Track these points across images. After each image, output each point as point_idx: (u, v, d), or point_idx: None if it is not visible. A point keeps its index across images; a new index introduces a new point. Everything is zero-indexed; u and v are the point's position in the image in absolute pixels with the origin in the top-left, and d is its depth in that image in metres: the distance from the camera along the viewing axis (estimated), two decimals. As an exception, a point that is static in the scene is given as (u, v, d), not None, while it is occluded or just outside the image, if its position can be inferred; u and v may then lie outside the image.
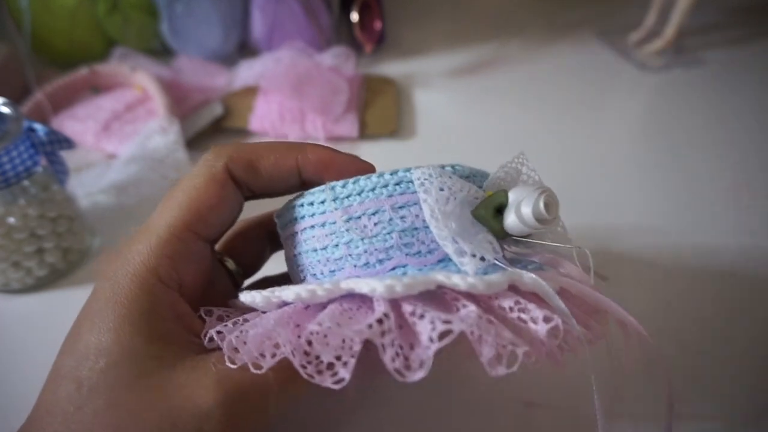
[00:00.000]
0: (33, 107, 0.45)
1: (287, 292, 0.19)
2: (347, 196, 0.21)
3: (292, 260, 0.23)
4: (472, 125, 0.51)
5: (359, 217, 0.21)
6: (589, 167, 0.46)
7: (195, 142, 0.46)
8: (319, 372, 0.17)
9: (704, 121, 0.52)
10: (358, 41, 0.58)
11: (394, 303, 0.17)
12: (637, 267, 0.36)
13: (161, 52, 0.56)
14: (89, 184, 0.41)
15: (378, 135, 0.48)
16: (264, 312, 0.20)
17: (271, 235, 0.27)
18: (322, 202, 0.21)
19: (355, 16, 0.58)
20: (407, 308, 0.17)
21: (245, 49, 0.58)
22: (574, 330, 0.18)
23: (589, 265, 0.21)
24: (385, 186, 0.21)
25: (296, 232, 0.22)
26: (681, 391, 0.23)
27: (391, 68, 0.58)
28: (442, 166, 0.21)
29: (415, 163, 0.23)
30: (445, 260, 0.20)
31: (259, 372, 0.18)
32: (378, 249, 0.20)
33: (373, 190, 0.21)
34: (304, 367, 0.17)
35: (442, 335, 0.16)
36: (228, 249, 0.26)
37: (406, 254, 0.20)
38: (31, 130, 0.33)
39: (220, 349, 0.19)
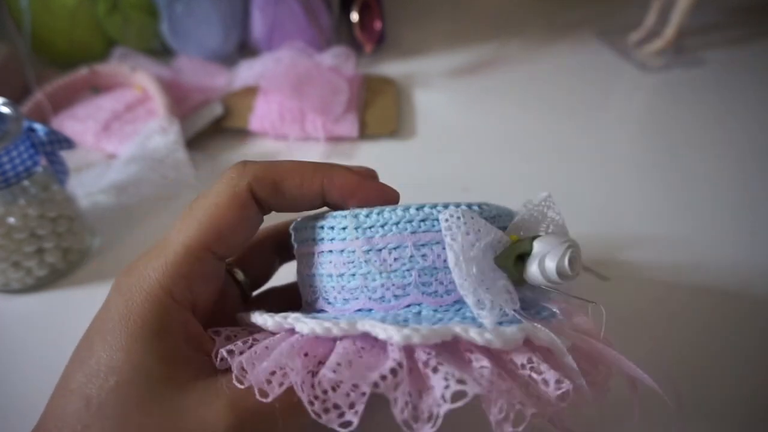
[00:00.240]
0: (33, 107, 0.45)
1: (301, 325, 0.19)
2: (370, 227, 0.21)
3: (305, 278, 0.23)
4: (472, 125, 0.51)
5: (380, 250, 0.20)
6: (588, 167, 0.46)
7: (195, 142, 0.46)
8: (326, 411, 0.16)
9: (704, 121, 0.52)
10: (358, 41, 0.58)
11: (408, 348, 0.17)
12: (635, 266, 0.36)
13: (161, 52, 0.56)
14: (89, 184, 0.41)
15: (378, 135, 0.48)
16: (273, 333, 0.20)
17: (281, 248, 0.27)
18: (344, 228, 0.21)
19: (355, 16, 0.58)
20: (421, 356, 0.17)
21: (245, 49, 0.58)
22: (583, 390, 0.19)
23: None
24: (410, 221, 0.20)
25: (313, 253, 0.22)
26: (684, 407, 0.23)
27: (391, 68, 0.58)
28: (469, 206, 0.21)
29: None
30: (460, 302, 0.20)
31: (265, 401, 0.17)
32: (395, 285, 0.20)
33: (397, 224, 0.20)
34: (311, 403, 0.17)
35: (455, 396, 0.16)
36: (237, 260, 0.26)
37: (423, 293, 0.20)
38: (31, 130, 0.33)
39: (231, 370, 0.19)
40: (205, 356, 0.20)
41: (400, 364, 0.17)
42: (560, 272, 0.19)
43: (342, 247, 0.21)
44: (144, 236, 0.38)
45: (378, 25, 0.60)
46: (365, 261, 0.21)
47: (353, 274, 0.21)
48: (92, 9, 0.52)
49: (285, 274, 0.30)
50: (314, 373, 0.18)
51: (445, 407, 0.16)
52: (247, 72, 0.51)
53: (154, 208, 0.41)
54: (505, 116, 0.52)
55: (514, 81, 0.57)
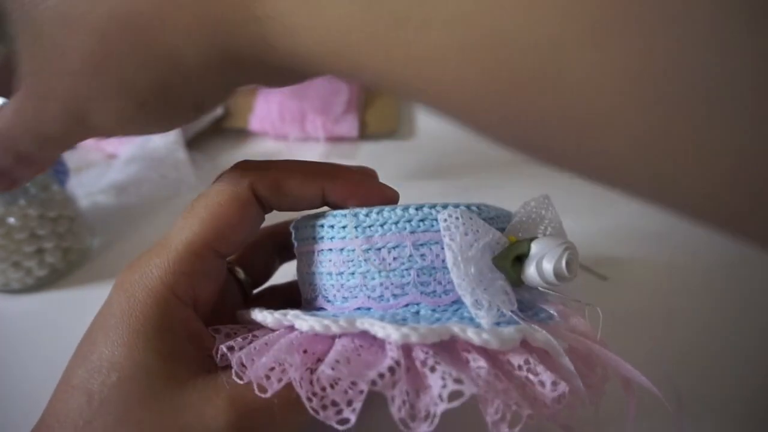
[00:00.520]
0: (33, 107, 0.45)
1: (300, 322, 0.19)
2: (370, 226, 0.21)
3: (305, 277, 0.23)
4: (472, 125, 0.51)
5: (379, 250, 0.21)
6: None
7: (195, 142, 0.46)
8: (324, 407, 0.17)
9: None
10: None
11: (406, 347, 0.18)
12: (634, 265, 0.37)
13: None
14: (89, 184, 0.42)
15: (378, 135, 0.48)
16: (272, 330, 0.20)
17: (281, 247, 0.28)
18: (344, 227, 0.21)
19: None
20: (419, 355, 0.17)
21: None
22: (579, 392, 0.19)
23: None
24: (409, 221, 0.21)
25: (313, 251, 0.22)
26: (684, 407, 0.23)
27: (391, 68, 0.58)
28: (468, 206, 0.21)
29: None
30: (459, 302, 0.21)
31: (264, 396, 0.18)
32: (394, 284, 0.21)
33: (396, 223, 0.21)
34: (309, 399, 0.17)
35: (452, 396, 0.16)
36: (238, 259, 0.26)
37: (422, 292, 0.20)
38: None
39: (231, 366, 0.19)
40: (205, 353, 0.20)
41: (398, 363, 0.17)
42: (557, 274, 0.20)
43: (342, 245, 0.21)
44: (144, 236, 0.38)
45: (378, 25, 0.60)
46: (364, 260, 0.21)
47: (352, 273, 0.21)
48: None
49: (285, 273, 0.30)
50: (313, 370, 0.18)
51: (442, 406, 0.16)
52: (247, 72, 0.51)
53: (154, 208, 0.41)
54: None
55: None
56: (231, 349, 0.19)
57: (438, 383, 0.16)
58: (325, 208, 0.23)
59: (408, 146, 0.48)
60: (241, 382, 0.18)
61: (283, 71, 0.17)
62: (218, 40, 0.15)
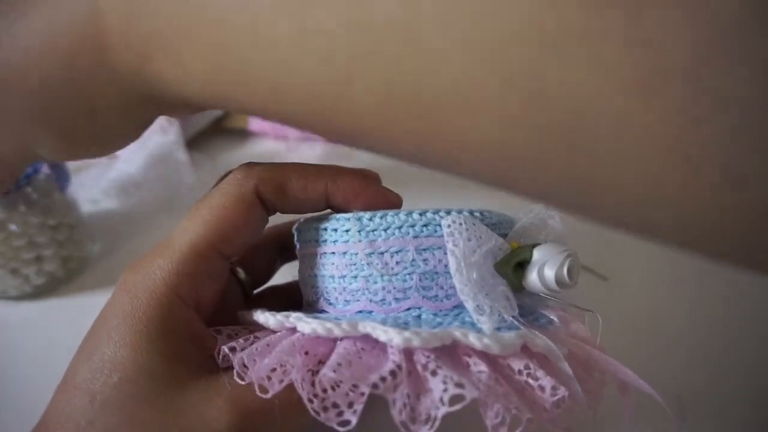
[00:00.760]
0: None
1: (303, 324, 0.19)
2: (373, 230, 0.21)
3: (307, 279, 0.23)
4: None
5: (382, 254, 0.21)
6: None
7: (195, 142, 0.46)
8: (325, 409, 0.17)
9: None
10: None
11: (408, 351, 0.18)
12: (634, 265, 0.37)
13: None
14: (89, 185, 0.42)
15: (378, 135, 0.48)
16: (274, 331, 0.20)
17: (283, 248, 0.28)
18: (347, 231, 0.21)
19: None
20: (420, 359, 0.17)
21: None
22: (578, 396, 0.19)
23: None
24: (412, 226, 0.21)
25: (316, 254, 0.22)
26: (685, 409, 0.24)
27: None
28: (471, 212, 0.21)
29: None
30: (460, 306, 0.21)
31: (265, 396, 0.18)
32: (396, 288, 0.21)
33: (399, 228, 0.21)
34: (311, 401, 0.17)
35: (453, 399, 0.16)
36: (239, 259, 0.26)
37: (423, 297, 0.21)
38: None
39: (233, 367, 0.19)
40: (207, 354, 0.20)
41: (399, 366, 0.17)
42: (559, 281, 0.20)
43: (344, 249, 0.21)
44: (144, 237, 0.38)
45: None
46: (367, 264, 0.21)
47: (355, 276, 0.21)
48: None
49: (285, 273, 0.30)
50: (314, 372, 0.18)
51: (443, 410, 0.16)
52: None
53: (154, 208, 0.41)
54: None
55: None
56: (233, 350, 0.19)
57: (439, 387, 0.16)
58: (329, 211, 0.23)
59: (408, 146, 0.48)
60: (243, 383, 0.18)
61: (187, 106, 0.20)
62: (133, 88, 0.19)
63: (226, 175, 0.23)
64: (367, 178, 0.23)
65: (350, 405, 0.17)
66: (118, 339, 0.19)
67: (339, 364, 0.17)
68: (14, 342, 0.32)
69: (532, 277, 0.20)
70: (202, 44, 0.16)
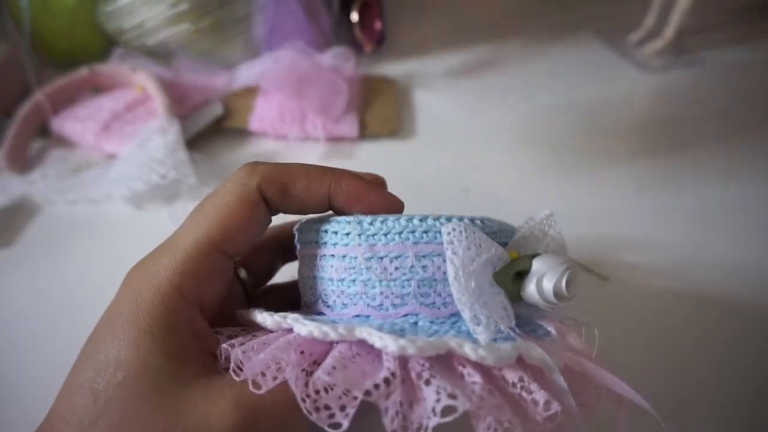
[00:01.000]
0: (33, 107, 0.45)
1: (299, 326, 0.19)
2: (373, 234, 0.21)
3: (306, 280, 0.23)
4: (472, 125, 0.51)
5: (381, 258, 0.21)
6: (588, 166, 0.46)
7: (195, 142, 0.46)
8: (317, 409, 0.17)
9: (703, 121, 0.52)
10: (358, 41, 0.58)
11: (403, 359, 0.18)
12: (634, 266, 0.36)
13: (161, 52, 0.56)
14: (89, 184, 0.41)
15: (378, 135, 0.48)
16: (272, 331, 0.20)
17: (284, 248, 0.28)
18: (347, 234, 0.21)
19: (355, 17, 0.58)
20: (415, 367, 0.17)
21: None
22: (572, 411, 0.19)
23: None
24: (413, 232, 0.21)
25: (315, 256, 0.22)
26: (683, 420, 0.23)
27: (391, 68, 0.58)
28: (472, 220, 0.21)
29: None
30: (457, 315, 0.21)
31: (258, 392, 0.18)
32: (394, 293, 0.21)
33: (400, 233, 0.21)
34: (303, 400, 0.17)
35: (446, 411, 0.16)
36: (241, 259, 0.27)
37: (421, 304, 0.21)
38: None
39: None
40: (210, 354, 0.20)
41: (393, 374, 0.17)
42: (557, 293, 0.20)
43: (344, 252, 0.21)
44: (144, 237, 0.38)
45: (378, 25, 0.60)
46: (366, 268, 0.21)
47: (354, 280, 0.21)
48: (92, 9, 0.52)
49: (284, 273, 0.30)
50: (309, 373, 0.18)
51: (435, 420, 0.16)
52: (247, 72, 0.51)
53: (155, 209, 0.41)
54: (505, 116, 0.52)
55: (514, 81, 0.58)
56: (232, 347, 0.19)
57: (432, 397, 0.16)
58: (330, 213, 0.23)
59: (408, 146, 0.48)
60: (238, 379, 0.18)
61: None
62: None
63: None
64: (371, 182, 0.23)
65: (342, 408, 0.17)
66: (122, 338, 0.19)
67: (334, 368, 0.17)
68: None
69: (531, 288, 0.20)
70: None
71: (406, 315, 0.21)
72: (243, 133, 0.48)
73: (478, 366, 0.18)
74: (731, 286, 0.35)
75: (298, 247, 0.24)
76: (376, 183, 0.24)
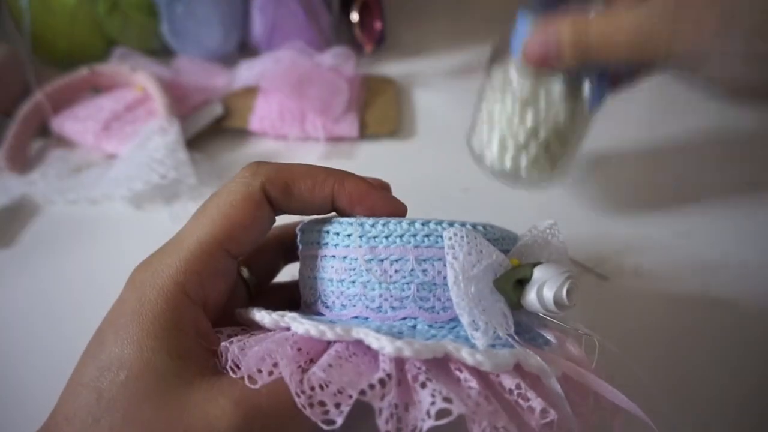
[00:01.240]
0: (33, 107, 0.45)
1: (297, 324, 0.19)
2: (374, 237, 0.21)
3: (306, 280, 0.23)
4: (472, 125, 0.51)
5: (382, 261, 0.21)
6: (587, 167, 0.46)
7: (195, 142, 0.46)
8: (311, 405, 0.17)
9: (704, 122, 0.52)
10: (358, 41, 0.58)
11: (399, 361, 0.18)
12: (634, 266, 0.37)
13: (161, 52, 0.56)
14: (90, 185, 0.41)
15: (378, 135, 0.48)
16: (270, 330, 0.21)
17: (286, 249, 0.28)
18: (349, 235, 0.21)
19: (355, 16, 0.58)
20: (411, 370, 0.17)
21: (245, 49, 0.58)
22: (568, 420, 0.19)
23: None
24: (414, 235, 0.21)
25: (317, 256, 0.22)
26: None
27: (391, 68, 0.58)
28: (474, 226, 0.21)
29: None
30: (456, 320, 0.21)
31: (253, 387, 0.18)
32: (394, 296, 0.21)
33: (401, 236, 0.21)
34: (298, 395, 0.17)
35: (440, 414, 0.16)
36: (244, 259, 0.27)
37: (420, 307, 0.21)
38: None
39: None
40: (213, 353, 0.20)
41: (389, 376, 0.17)
42: (557, 302, 0.20)
43: (345, 253, 0.21)
44: (144, 237, 0.38)
45: (378, 25, 0.60)
46: (366, 270, 0.21)
47: (353, 282, 0.21)
48: (92, 9, 0.52)
49: (285, 272, 0.30)
50: (305, 370, 0.18)
51: (429, 423, 0.16)
52: (247, 72, 0.51)
53: (154, 209, 0.41)
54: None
55: (514, 81, 0.57)
56: (230, 344, 0.19)
57: (427, 400, 0.16)
58: (333, 214, 0.23)
59: (408, 146, 0.48)
60: (235, 376, 0.18)
61: None
62: None
63: None
64: (375, 185, 0.23)
65: (337, 406, 0.17)
66: (125, 337, 0.19)
67: (330, 365, 0.17)
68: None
69: (531, 297, 0.20)
70: None
71: (404, 318, 0.21)
72: (243, 133, 0.48)
73: (475, 371, 0.18)
74: (731, 287, 0.35)
75: (300, 247, 0.24)
76: (380, 186, 0.24)
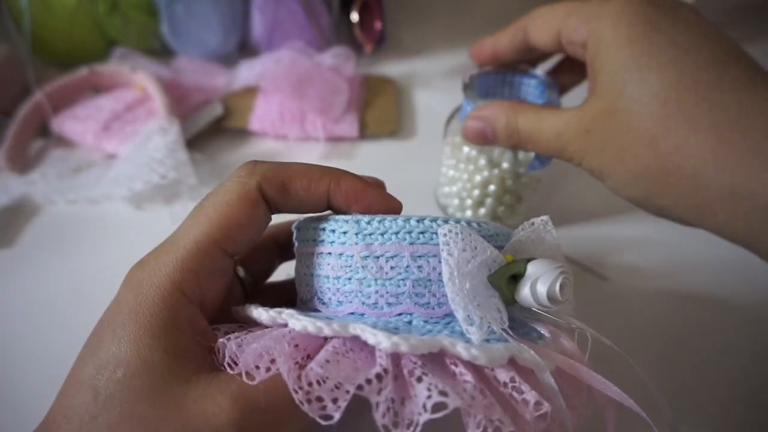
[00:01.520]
0: (33, 107, 0.45)
1: (294, 321, 0.19)
2: (370, 234, 0.21)
3: (302, 277, 0.23)
4: (472, 125, 0.51)
5: (378, 258, 0.21)
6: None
7: (195, 142, 0.46)
8: (309, 401, 0.17)
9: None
10: (358, 41, 0.58)
11: (395, 356, 0.18)
12: (634, 266, 0.37)
13: (161, 52, 0.56)
14: (89, 184, 0.42)
15: (378, 135, 0.48)
16: (267, 327, 0.21)
17: (281, 247, 0.28)
18: (345, 233, 0.21)
19: (355, 16, 0.58)
20: (407, 365, 0.18)
21: (245, 49, 0.58)
22: (562, 413, 0.19)
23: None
24: (409, 232, 0.21)
25: (313, 254, 0.23)
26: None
27: (391, 68, 0.58)
28: (469, 223, 0.21)
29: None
30: (451, 315, 0.21)
31: (251, 383, 0.18)
32: (389, 293, 0.21)
33: (396, 233, 0.21)
34: (296, 391, 0.17)
35: (436, 407, 0.16)
36: (240, 258, 0.27)
37: (416, 303, 0.21)
38: None
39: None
40: (210, 351, 0.20)
41: (385, 370, 0.17)
42: (551, 297, 0.20)
43: (341, 250, 0.21)
44: (144, 237, 0.38)
45: (378, 25, 0.60)
46: (362, 266, 0.21)
47: (349, 278, 0.21)
48: (92, 9, 0.52)
49: (283, 271, 0.30)
50: (302, 366, 0.18)
51: (425, 416, 0.16)
52: (247, 72, 0.51)
53: (154, 209, 0.41)
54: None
55: (514, 81, 0.57)
56: (228, 341, 0.19)
57: (423, 393, 0.17)
58: (329, 212, 0.24)
59: (408, 146, 0.48)
60: (233, 373, 0.18)
61: None
62: None
63: None
64: (370, 183, 0.23)
65: (335, 401, 0.17)
66: (123, 335, 0.19)
67: (327, 361, 0.17)
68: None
69: (525, 292, 0.20)
70: None
71: (400, 314, 0.21)
72: (243, 133, 0.48)
73: (470, 365, 0.18)
74: (731, 287, 0.35)
75: (296, 245, 0.24)
76: (376, 184, 0.24)
